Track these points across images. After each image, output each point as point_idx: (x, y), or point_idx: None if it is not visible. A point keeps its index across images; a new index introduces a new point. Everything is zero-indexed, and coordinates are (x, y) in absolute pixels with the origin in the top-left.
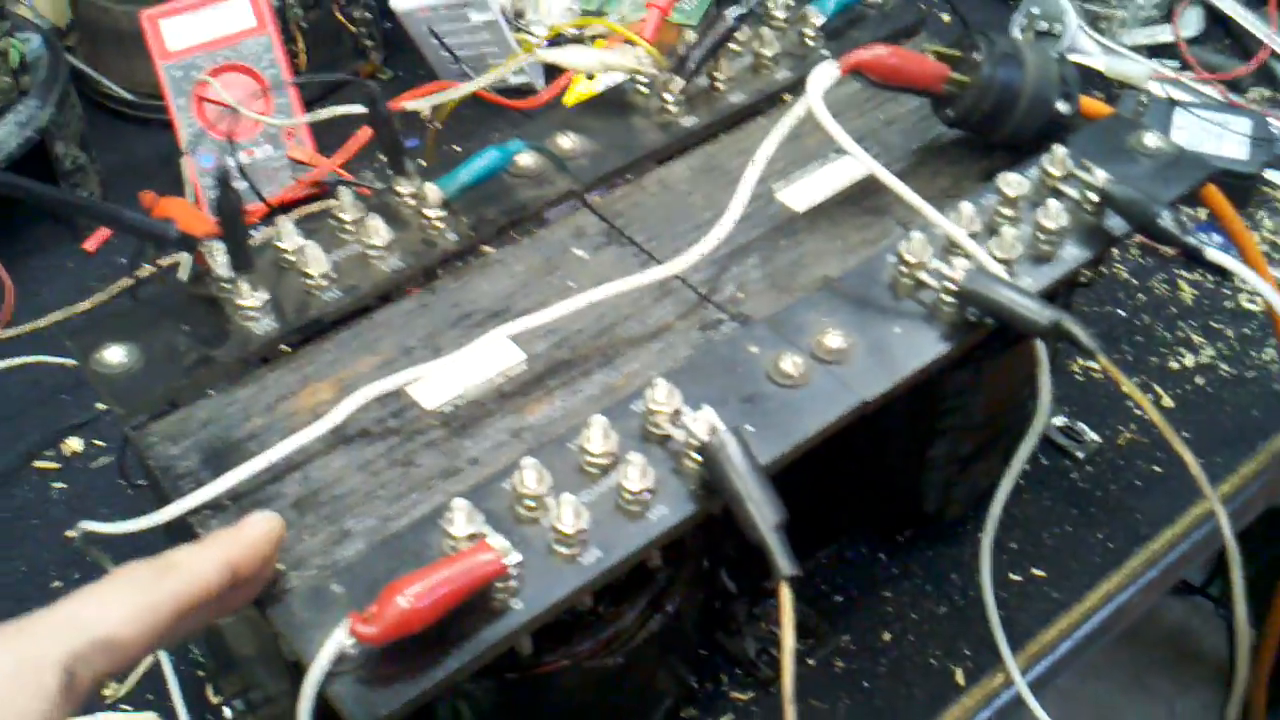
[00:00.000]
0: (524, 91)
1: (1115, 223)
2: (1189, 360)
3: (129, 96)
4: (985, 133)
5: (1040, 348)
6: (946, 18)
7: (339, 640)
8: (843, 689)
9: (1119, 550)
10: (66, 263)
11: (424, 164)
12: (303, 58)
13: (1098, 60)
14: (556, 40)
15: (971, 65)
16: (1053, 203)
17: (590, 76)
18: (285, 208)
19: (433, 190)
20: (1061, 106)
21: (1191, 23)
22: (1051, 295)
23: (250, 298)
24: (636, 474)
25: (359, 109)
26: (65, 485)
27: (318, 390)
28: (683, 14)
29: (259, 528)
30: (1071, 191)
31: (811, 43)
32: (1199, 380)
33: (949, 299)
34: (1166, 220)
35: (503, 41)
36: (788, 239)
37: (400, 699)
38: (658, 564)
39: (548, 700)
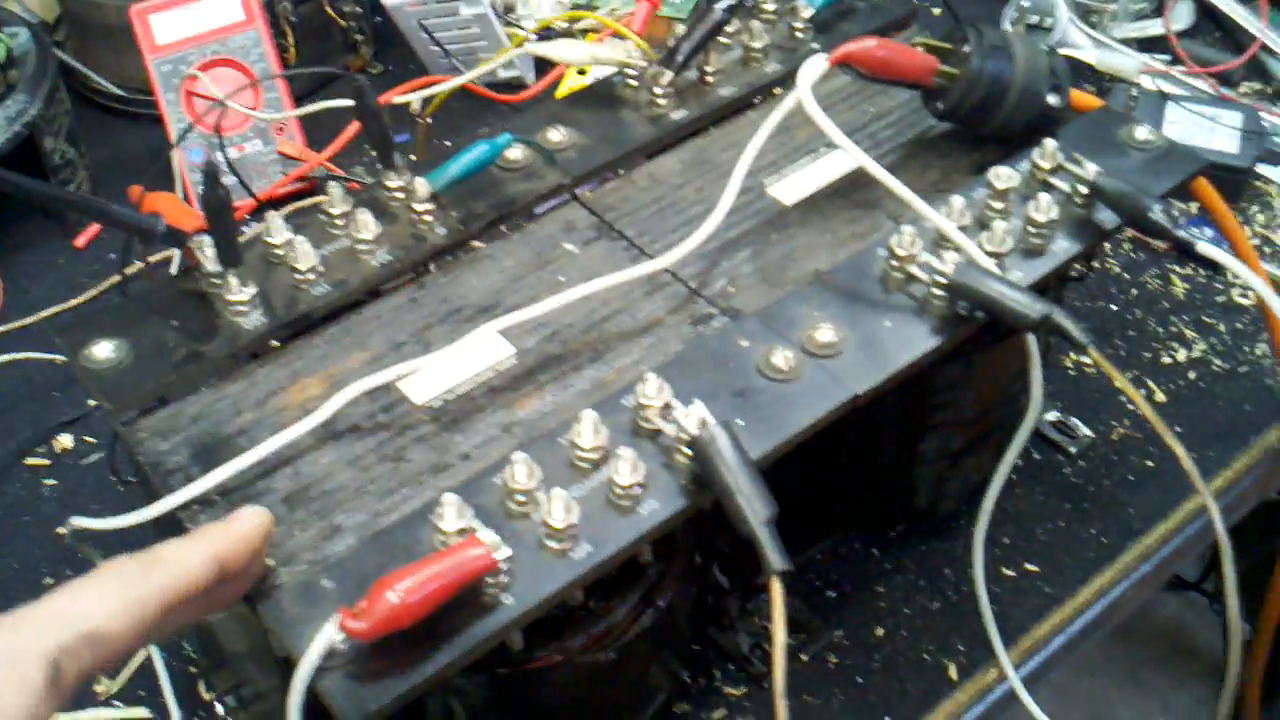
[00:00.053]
0: (515, 86)
1: (1106, 216)
2: (1181, 355)
3: (118, 91)
4: (975, 125)
5: (1031, 341)
6: (937, 11)
7: (329, 635)
8: (836, 684)
9: (1112, 545)
10: (56, 259)
11: (414, 158)
12: (292, 52)
13: (1089, 54)
14: (546, 34)
15: (961, 58)
16: (1043, 196)
17: (581, 71)
18: (275, 203)
19: (422, 184)
20: (1051, 99)
21: (1182, 16)
22: (1042, 289)
23: (239, 293)
24: (627, 468)
25: (348, 103)
26: (56, 482)
27: (307, 385)
28: (672, 7)
29: (247, 522)
30: (1062, 185)
31: (801, 35)
32: (1191, 375)
33: (939, 293)
34: (1157, 213)
35: (493, 35)
36: (778, 233)
37: (390, 694)
38: (649, 559)
39: (539, 695)
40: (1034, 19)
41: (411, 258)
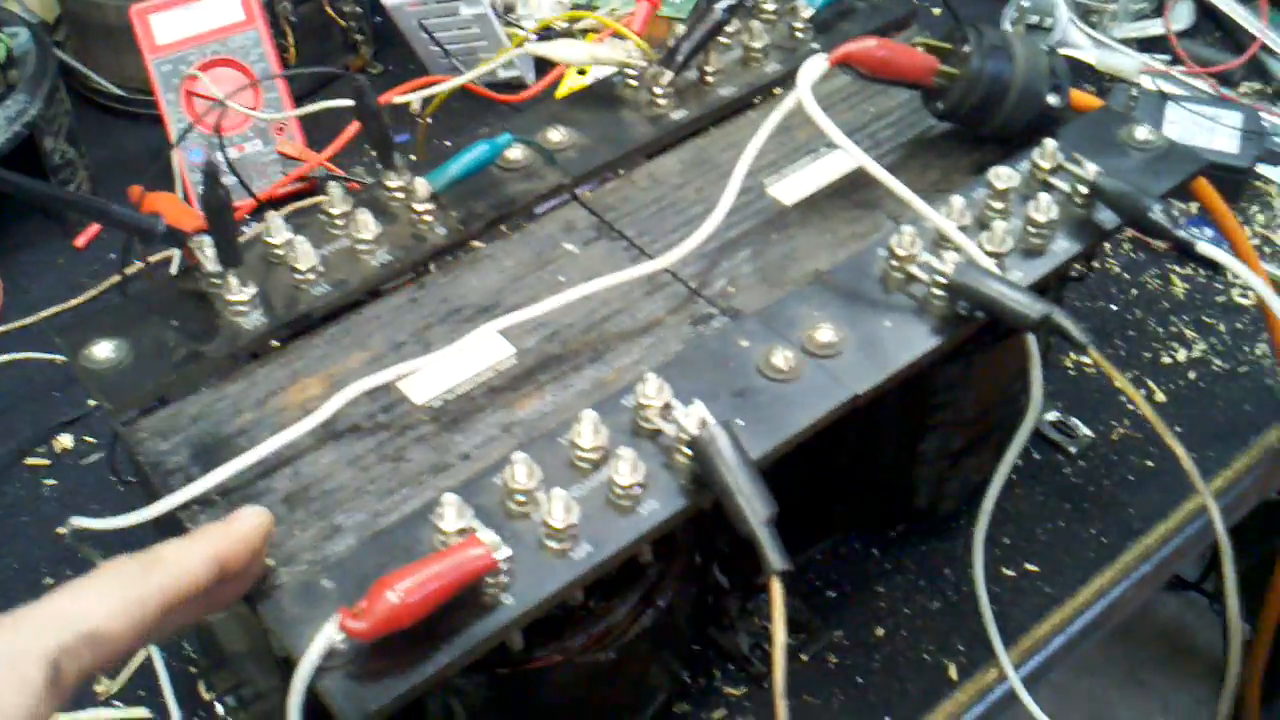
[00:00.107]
0: (515, 86)
1: (1106, 216)
2: (1181, 355)
3: (118, 91)
4: (975, 125)
5: (1031, 341)
6: (937, 11)
7: (329, 635)
8: (836, 684)
9: (1112, 545)
10: (56, 259)
11: (414, 158)
12: (292, 52)
13: (1089, 54)
14: (546, 34)
15: (961, 58)
16: (1043, 196)
17: (581, 71)
18: (276, 203)
19: (422, 184)
20: (1051, 99)
21: (1182, 16)
22: (1042, 289)
23: (239, 293)
24: (627, 468)
25: (347, 102)
26: (56, 482)
27: (307, 386)
28: (672, 7)
29: (247, 522)
30: (1062, 185)
31: (801, 35)
32: (1191, 375)
33: (939, 292)
34: (1157, 213)
35: (493, 35)
36: (778, 233)
37: (390, 694)
38: (649, 559)
39: (539, 695)
40: (1034, 19)
41: (411, 258)
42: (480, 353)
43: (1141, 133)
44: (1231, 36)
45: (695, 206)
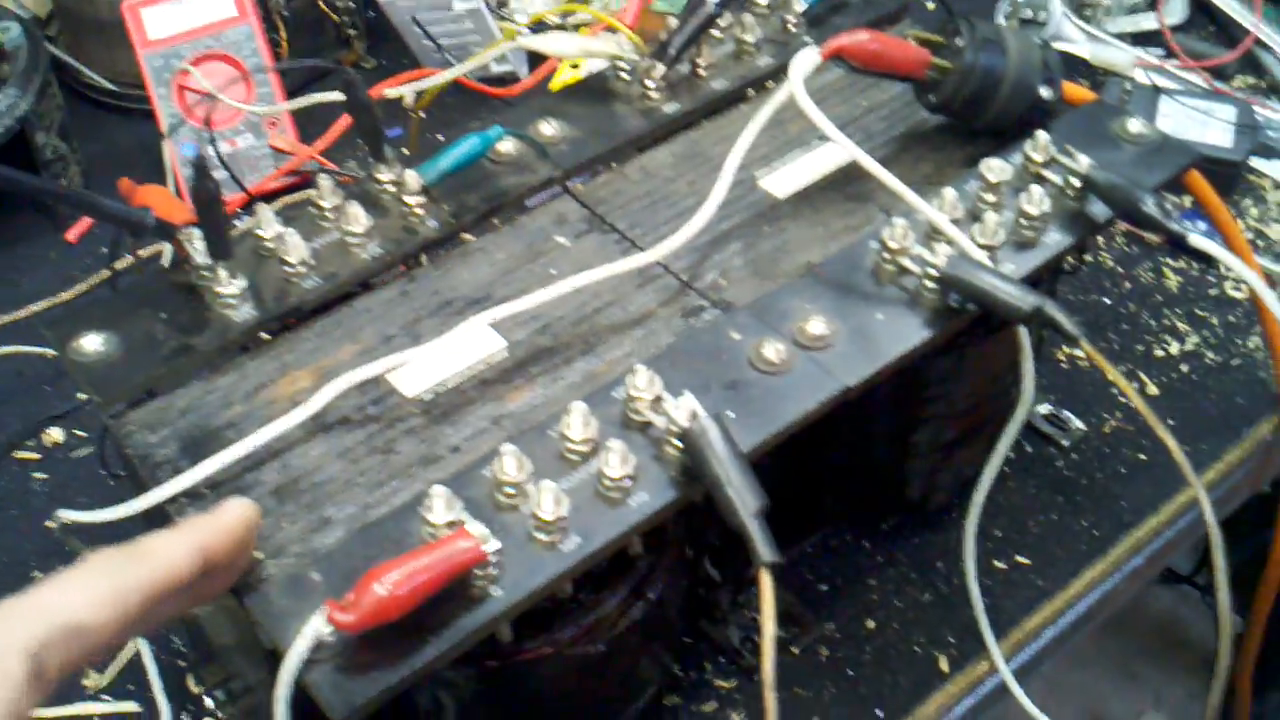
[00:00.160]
0: (509, 80)
1: (1098, 208)
2: (1174, 348)
3: (110, 86)
4: (968, 118)
5: (1023, 334)
6: (930, 4)
7: (316, 628)
8: (827, 677)
9: (1104, 538)
10: (48, 253)
11: (407, 152)
12: (285, 47)
13: (1082, 48)
14: (539, 27)
15: (954, 51)
16: (1035, 188)
17: (574, 65)
18: (268, 197)
19: (412, 177)
20: (1044, 92)
21: (1176, 10)
22: (1034, 281)
23: (229, 285)
24: (617, 460)
25: (338, 96)
26: (46, 475)
27: (297, 378)
28: (665, 1)
29: (233, 514)
30: (1054, 177)
31: (794, 29)
32: (1184, 368)
33: (931, 285)
34: (1150, 205)
35: (486, 29)
36: (770, 225)
37: (378, 687)
38: (639, 551)
39: (530, 688)
40: (1028, 13)
41: (402, 250)
42: (471, 345)
43: (1134, 126)
44: (1225, 31)
45: (687, 199)
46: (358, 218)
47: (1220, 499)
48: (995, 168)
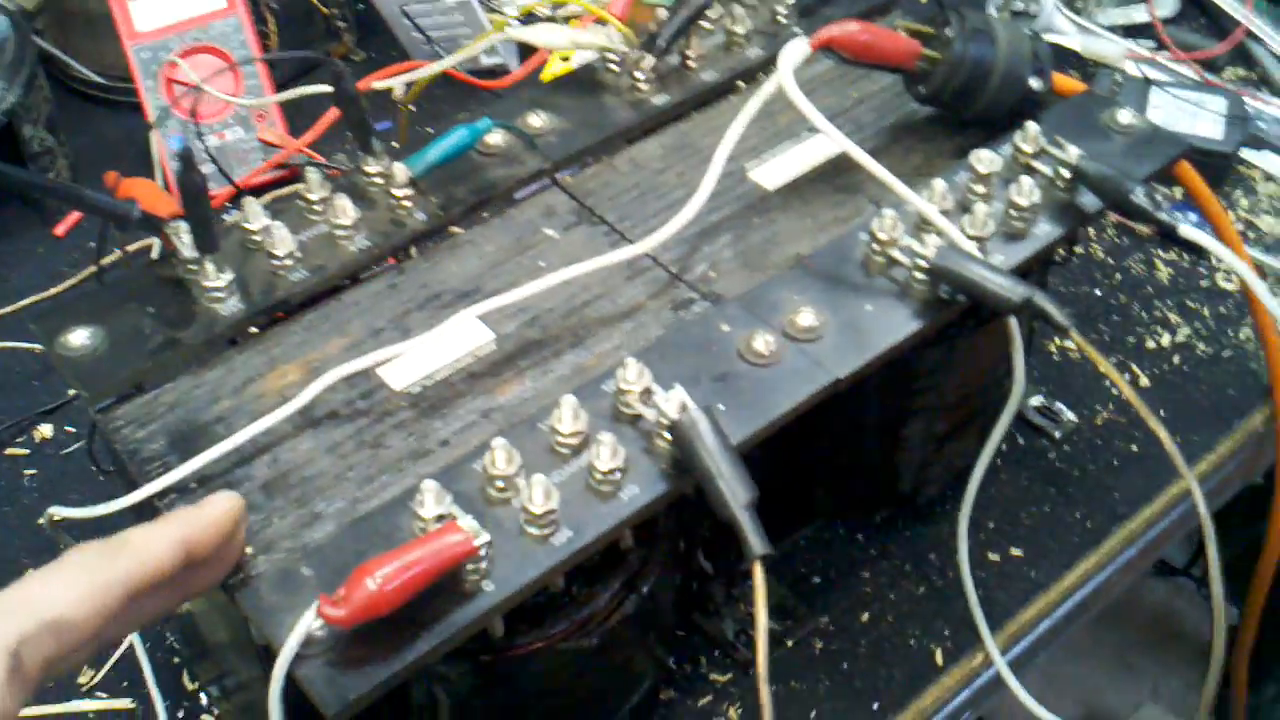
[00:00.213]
0: (498, 73)
1: (1088, 199)
2: (1165, 339)
3: (98, 79)
4: (958, 109)
5: (1013, 325)
6: None
7: (308, 623)
8: (822, 670)
9: (1097, 529)
10: (36, 247)
11: (396, 145)
12: (274, 39)
13: (1073, 40)
14: (528, 19)
15: (944, 42)
16: (1025, 179)
17: (565, 56)
18: (257, 191)
19: (400, 169)
20: (1034, 83)
21: (1167, 2)
22: (1024, 272)
23: (216, 279)
24: (607, 453)
25: (326, 88)
26: (36, 471)
27: (286, 372)
28: None
29: (218, 507)
30: (1044, 168)
31: (783, 20)
32: (1175, 359)
33: (921, 276)
34: (1139, 196)
35: (475, 22)
36: (760, 217)
37: (370, 681)
38: (630, 545)
39: (522, 682)
40: (1019, 5)
41: (391, 243)
42: (460, 338)
43: (1124, 117)
44: (1216, 22)
45: (676, 191)
46: (345, 210)
47: (1212, 490)
48: (985, 159)
